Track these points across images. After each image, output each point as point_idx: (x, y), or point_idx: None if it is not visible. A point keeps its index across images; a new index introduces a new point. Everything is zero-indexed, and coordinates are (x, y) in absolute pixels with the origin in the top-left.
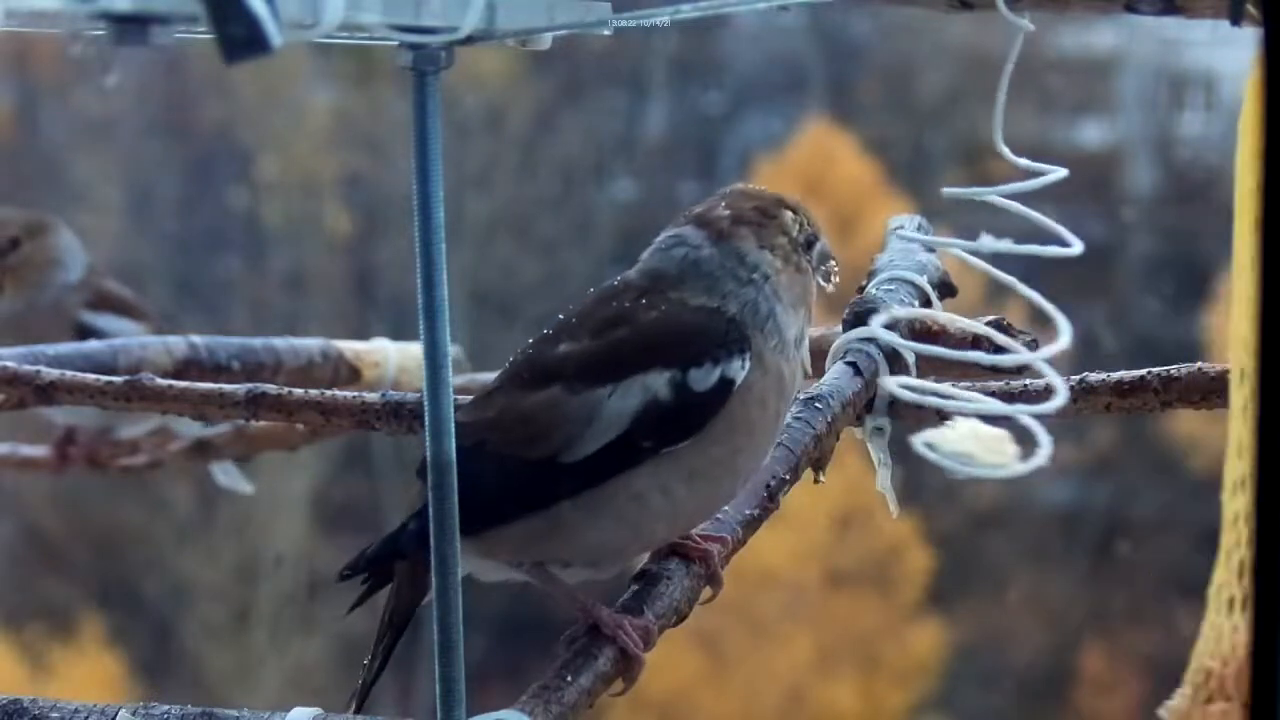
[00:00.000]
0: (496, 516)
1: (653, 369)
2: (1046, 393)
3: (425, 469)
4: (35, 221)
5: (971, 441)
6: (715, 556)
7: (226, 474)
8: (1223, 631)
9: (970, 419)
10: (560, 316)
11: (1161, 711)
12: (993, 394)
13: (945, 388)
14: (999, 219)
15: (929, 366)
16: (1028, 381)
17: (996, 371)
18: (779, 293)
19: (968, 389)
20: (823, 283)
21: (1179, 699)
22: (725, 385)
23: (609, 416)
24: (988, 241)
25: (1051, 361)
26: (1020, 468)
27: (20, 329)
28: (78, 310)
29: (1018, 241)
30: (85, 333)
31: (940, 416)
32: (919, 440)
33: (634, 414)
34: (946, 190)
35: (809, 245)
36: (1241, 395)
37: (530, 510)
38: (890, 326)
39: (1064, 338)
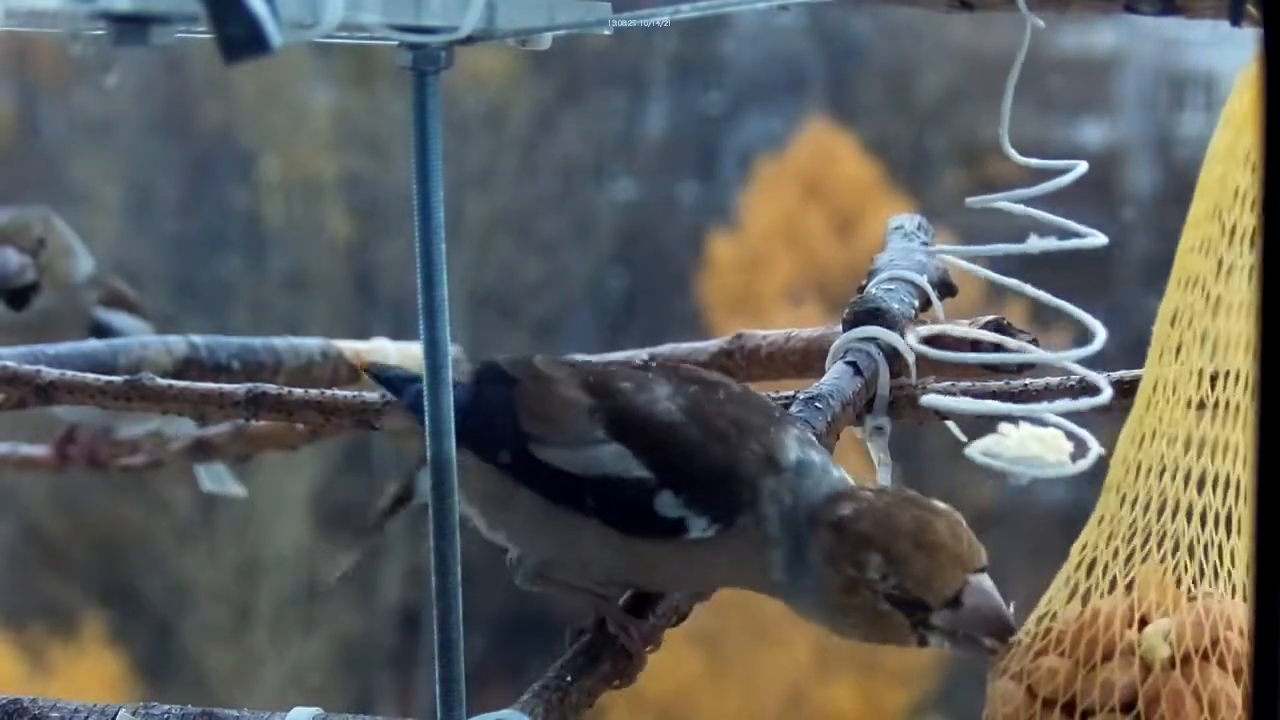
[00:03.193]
0: None
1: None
2: (1080, 391)
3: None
4: (39, 218)
5: (1035, 443)
6: None
7: (214, 478)
8: (1078, 591)
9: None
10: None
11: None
12: (993, 394)
13: (982, 404)
14: (1002, 218)
15: (927, 366)
16: (1028, 381)
17: (995, 370)
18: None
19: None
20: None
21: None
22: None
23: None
24: (1035, 241)
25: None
26: (1077, 465)
27: (46, 326)
28: (93, 307)
29: (1027, 239)
30: (100, 330)
31: (940, 418)
32: (976, 451)
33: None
34: (971, 199)
35: (909, 603)
36: (1150, 379)
37: None
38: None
39: (1100, 337)
